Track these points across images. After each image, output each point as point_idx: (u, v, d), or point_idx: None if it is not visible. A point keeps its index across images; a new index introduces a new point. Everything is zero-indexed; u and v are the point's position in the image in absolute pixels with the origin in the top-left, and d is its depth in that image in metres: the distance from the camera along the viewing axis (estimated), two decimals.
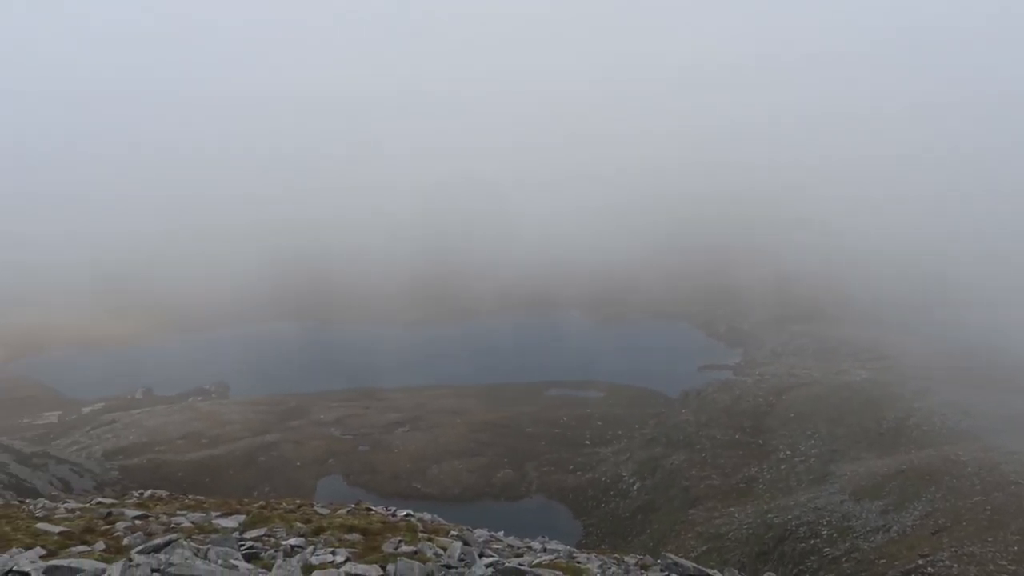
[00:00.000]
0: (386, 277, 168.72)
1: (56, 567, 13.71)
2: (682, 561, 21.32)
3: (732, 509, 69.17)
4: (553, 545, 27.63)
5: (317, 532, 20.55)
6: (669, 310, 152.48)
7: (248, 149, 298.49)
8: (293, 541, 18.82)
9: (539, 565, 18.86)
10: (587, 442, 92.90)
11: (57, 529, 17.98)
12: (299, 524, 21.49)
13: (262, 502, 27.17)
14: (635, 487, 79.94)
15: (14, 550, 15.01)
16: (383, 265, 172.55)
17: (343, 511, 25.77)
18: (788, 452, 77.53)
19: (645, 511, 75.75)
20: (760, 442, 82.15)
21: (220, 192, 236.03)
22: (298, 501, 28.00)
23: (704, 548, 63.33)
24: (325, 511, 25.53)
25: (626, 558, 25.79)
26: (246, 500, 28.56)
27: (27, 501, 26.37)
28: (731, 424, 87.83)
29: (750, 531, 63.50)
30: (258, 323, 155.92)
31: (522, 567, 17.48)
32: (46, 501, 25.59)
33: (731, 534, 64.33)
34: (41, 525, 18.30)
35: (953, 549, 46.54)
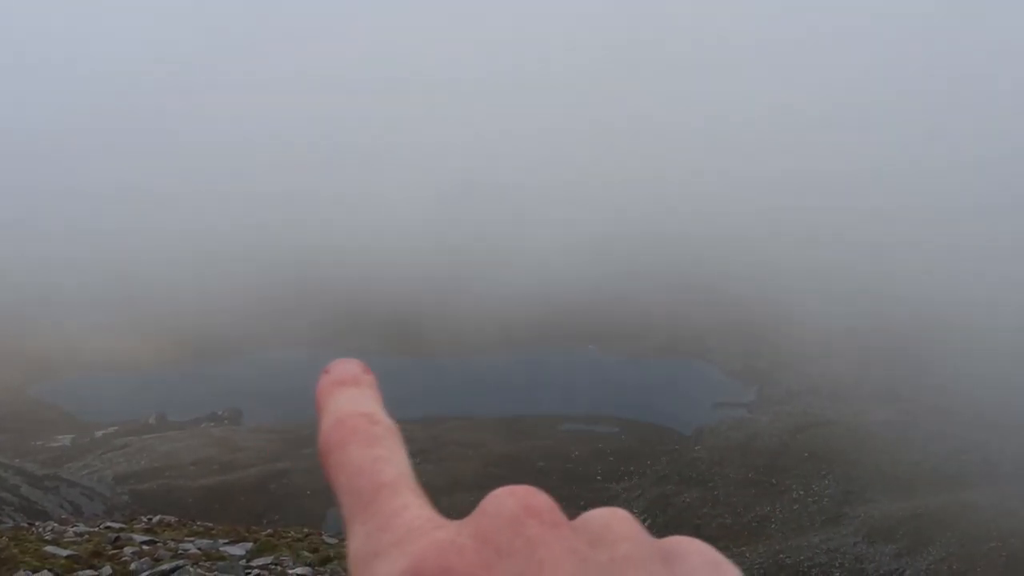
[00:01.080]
0: (402, 306, 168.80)
1: None
2: None
3: (743, 548, 68.51)
4: None
5: (324, 562, 20.48)
6: (685, 346, 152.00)
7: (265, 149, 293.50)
8: (299, 571, 18.77)
9: None
10: (599, 477, 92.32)
11: (65, 552, 18.00)
12: (306, 553, 21.44)
13: (270, 530, 27.14)
14: (646, 524, 76.53)
15: (21, 573, 15.03)
16: (400, 294, 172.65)
17: None
18: (802, 492, 76.86)
19: None
20: (773, 481, 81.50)
21: (233, 215, 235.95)
22: (307, 530, 27.93)
23: None
24: (333, 541, 25.47)
25: None
26: (255, 528, 28.52)
27: (36, 524, 26.43)
28: (744, 463, 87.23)
29: (761, 571, 62.86)
30: (272, 349, 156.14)
31: None
32: (55, 524, 25.64)
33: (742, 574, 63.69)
34: (49, 548, 18.32)
35: None
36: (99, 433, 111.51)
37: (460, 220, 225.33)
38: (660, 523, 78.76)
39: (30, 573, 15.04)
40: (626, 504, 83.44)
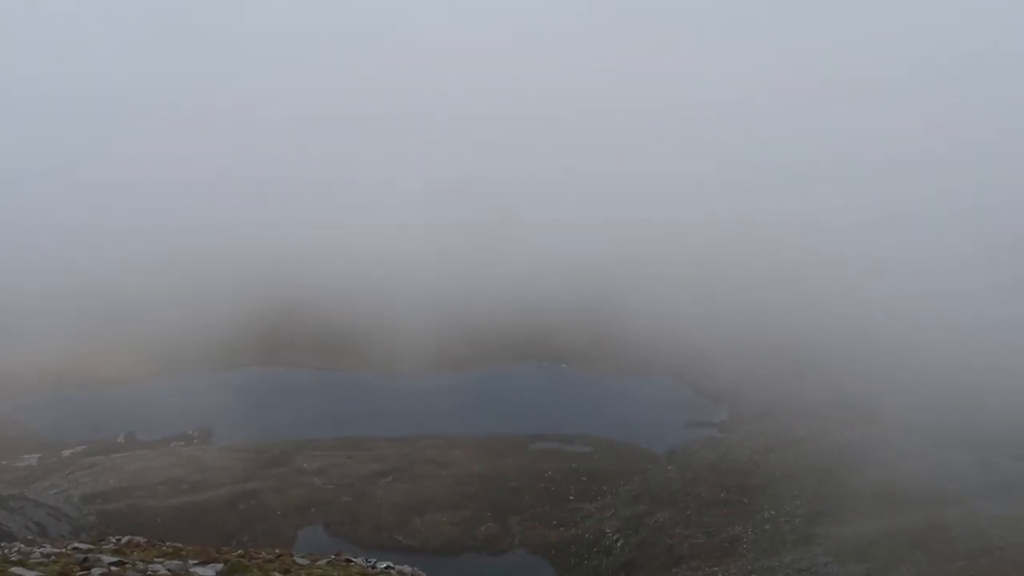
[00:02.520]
0: (376, 326, 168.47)
1: None
2: None
3: (715, 569, 68.63)
4: None
5: None
6: (657, 365, 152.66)
7: (240, 171, 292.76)
8: None
9: None
10: (571, 497, 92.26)
11: (32, 574, 17.76)
12: (277, 574, 21.27)
13: (241, 551, 26.88)
14: (619, 544, 79.25)
15: None
16: (373, 314, 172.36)
17: (322, 562, 25.52)
18: (773, 512, 77.12)
19: (628, 568, 75.02)
20: (746, 501, 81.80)
21: (207, 221, 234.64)
22: (278, 551, 27.70)
23: None
24: (304, 561, 25.28)
25: None
26: (225, 548, 28.23)
27: (2, 545, 26.02)
28: (716, 482, 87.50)
29: None
30: (243, 367, 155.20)
31: None
32: (21, 545, 25.25)
33: None
34: (15, 570, 18.07)
35: None
36: (66, 452, 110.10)
37: (443, 227, 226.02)
38: (633, 543, 78.74)
39: None
40: (599, 524, 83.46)
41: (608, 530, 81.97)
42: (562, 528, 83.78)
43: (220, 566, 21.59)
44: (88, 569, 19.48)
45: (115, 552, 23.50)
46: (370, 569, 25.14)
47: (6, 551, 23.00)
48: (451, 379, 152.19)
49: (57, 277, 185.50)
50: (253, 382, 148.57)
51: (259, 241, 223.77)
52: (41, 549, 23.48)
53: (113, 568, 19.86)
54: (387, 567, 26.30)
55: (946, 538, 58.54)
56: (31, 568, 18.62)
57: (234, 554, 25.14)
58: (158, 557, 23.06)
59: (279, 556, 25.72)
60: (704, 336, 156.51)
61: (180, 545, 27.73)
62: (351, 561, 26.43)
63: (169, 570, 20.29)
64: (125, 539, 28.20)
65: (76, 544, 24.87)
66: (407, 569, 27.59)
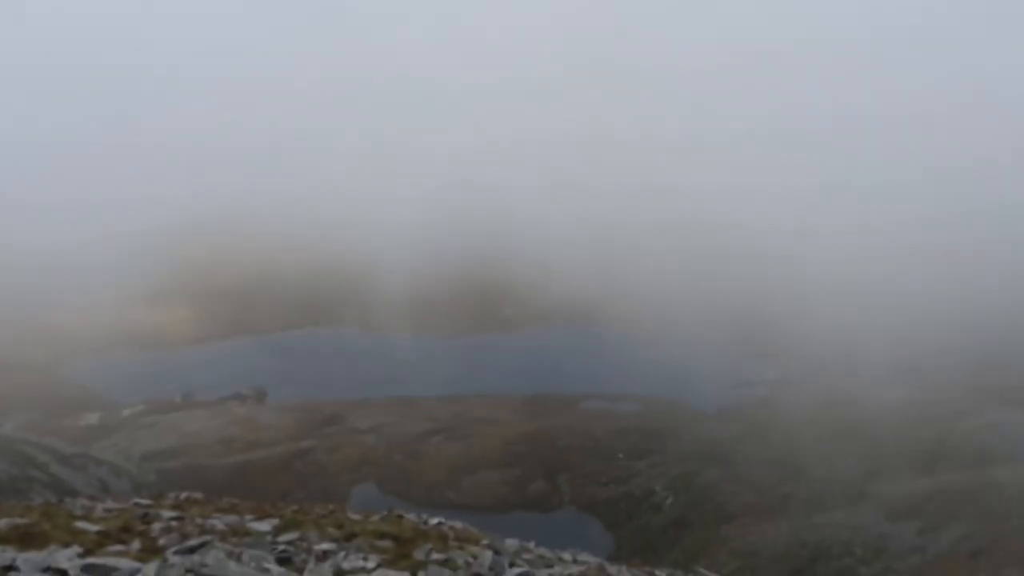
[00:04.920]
0: (424, 285, 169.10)
1: (93, 565, 14.04)
2: None
3: (766, 526, 68.64)
4: (584, 557, 27.64)
5: (349, 538, 20.73)
6: (708, 324, 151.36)
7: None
8: (325, 546, 19.03)
9: None
10: (621, 455, 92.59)
11: (95, 528, 18.34)
12: (331, 530, 21.70)
13: (295, 507, 27.45)
14: (668, 501, 79.57)
15: (52, 548, 15.36)
16: (422, 273, 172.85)
17: (375, 518, 25.96)
18: (824, 470, 76.74)
19: (677, 526, 75.37)
20: (796, 459, 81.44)
21: (253, 189, 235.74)
22: (331, 507, 28.23)
23: (736, 565, 62.94)
24: (358, 517, 25.73)
25: (657, 572, 25.78)
26: (280, 505, 28.85)
27: (66, 500, 26.89)
28: (766, 441, 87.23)
29: (784, 549, 63.02)
30: (296, 328, 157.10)
31: None
32: (85, 501, 26.06)
33: (764, 551, 63.82)
34: (79, 524, 18.67)
35: (990, 572, 45.90)
36: (126, 412, 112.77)
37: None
38: (682, 500, 78.97)
39: (61, 548, 15.36)
40: (648, 481, 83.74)
41: (657, 488, 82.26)
42: (611, 486, 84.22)
43: (276, 521, 22.08)
44: (149, 524, 20.06)
45: (174, 507, 24.16)
46: (422, 525, 25.57)
47: (70, 506, 23.76)
48: (498, 339, 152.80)
49: (115, 239, 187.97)
50: (305, 343, 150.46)
51: (315, 203, 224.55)
52: (103, 505, 24.19)
53: (172, 523, 20.43)
54: (439, 523, 26.72)
55: (999, 497, 57.88)
56: (95, 523, 19.22)
57: (289, 510, 25.68)
58: (216, 513, 23.65)
59: (333, 512, 26.21)
60: (753, 295, 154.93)
61: (236, 501, 28.40)
62: (403, 517, 26.86)
63: (226, 525, 20.83)
64: (183, 495, 28.93)
65: (137, 500, 25.58)
66: (458, 525, 28.00)
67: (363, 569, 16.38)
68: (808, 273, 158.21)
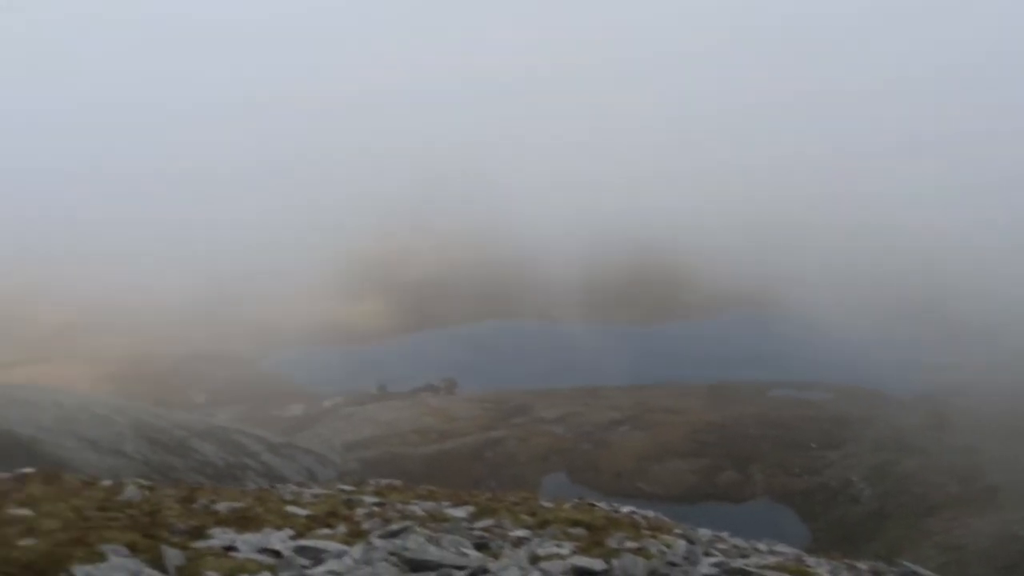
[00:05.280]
0: (604, 275, 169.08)
1: (304, 547, 14.81)
2: (922, 571, 20.16)
3: (972, 520, 64.73)
4: (780, 548, 26.83)
5: (542, 525, 20.93)
6: (899, 308, 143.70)
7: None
8: (519, 532, 19.28)
9: (766, 567, 18.36)
10: (813, 445, 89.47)
11: (304, 512, 19.30)
12: (525, 517, 21.99)
13: (489, 494, 27.99)
14: (865, 493, 76.28)
15: (267, 530, 16.26)
16: (594, 263, 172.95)
17: (567, 506, 26.13)
18: None
19: (877, 518, 72.16)
20: (1002, 449, 76.41)
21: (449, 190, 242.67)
22: (523, 495, 28.60)
23: (943, 560, 59.65)
24: (550, 505, 25.96)
25: (859, 564, 24.70)
26: (474, 492, 29.49)
27: (277, 486, 28.49)
28: (967, 428, 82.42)
29: (993, 543, 59.24)
30: (478, 320, 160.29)
31: (748, 568, 17.12)
32: (294, 487, 27.51)
33: (972, 546, 60.23)
34: (290, 508, 19.69)
35: None
36: (327, 403, 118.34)
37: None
38: (880, 491, 75.58)
39: (275, 530, 16.27)
40: (844, 472, 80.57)
41: (854, 478, 79.06)
42: (805, 476, 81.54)
43: (471, 508, 22.58)
44: (353, 509, 20.94)
45: (375, 494, 25.13)
46: (614, 513, 25.53)
47: (281, 492, 25.14)
48: (679, 328, 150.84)
49: (310, 237, 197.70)
50: (487, 334, 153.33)
51: (491, 199, 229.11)
52: (311, 491, 25.48)
53: (375, 508, 21.25)
54: (631, 512, 26.60)
55: None
56: (303, 507, 20.24)
57: (483, 497, 26.22)
58: (414, 499, 24.44)
59: (525, 500, 26.56)
60: (955, 272, 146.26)
61: (433, 488, 29.25)
62: (595, 506, 26.91)
63: (424, 511, 21.46)
64: (384, 482, 30.05)
65: (341, 486, 26.77)
66: (650, 514, 27.79)
67: (558, 555, 16.46)
68: (990, 264, 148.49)
